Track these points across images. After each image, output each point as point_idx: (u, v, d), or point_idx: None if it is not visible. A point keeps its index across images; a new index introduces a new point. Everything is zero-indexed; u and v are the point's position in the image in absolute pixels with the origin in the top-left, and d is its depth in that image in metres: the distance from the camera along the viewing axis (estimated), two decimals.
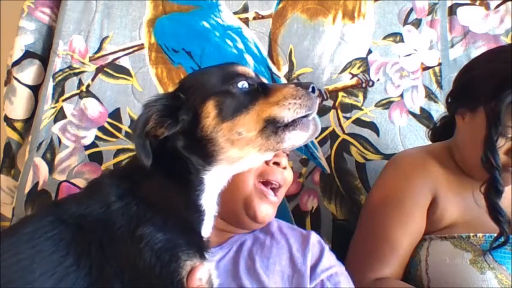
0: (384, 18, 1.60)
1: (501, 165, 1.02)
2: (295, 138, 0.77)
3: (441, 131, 1.32)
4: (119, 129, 1.49)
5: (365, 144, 1.52)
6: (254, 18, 1.58)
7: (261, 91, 0.79)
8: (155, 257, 0.66)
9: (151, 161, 0.72)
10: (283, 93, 0.77)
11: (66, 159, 1.45)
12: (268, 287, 0.91)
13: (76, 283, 0.65)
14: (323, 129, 1.52)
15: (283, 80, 1.55)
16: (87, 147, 1.46)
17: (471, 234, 1.06)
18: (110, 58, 1.53)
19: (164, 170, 0.76)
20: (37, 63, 1.51)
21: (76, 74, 1.50)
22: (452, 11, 1.62)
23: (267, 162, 0.98)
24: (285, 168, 1.02)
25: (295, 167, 1.50)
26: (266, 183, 1.00)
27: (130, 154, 1.43)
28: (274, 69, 1.56)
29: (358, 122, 1.54)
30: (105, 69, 1.52)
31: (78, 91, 1.49)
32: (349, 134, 1.53)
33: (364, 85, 1.56)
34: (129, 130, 1.48)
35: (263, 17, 1.59)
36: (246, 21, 1.58)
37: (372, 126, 1.53)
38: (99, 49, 1.53)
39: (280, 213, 1.46)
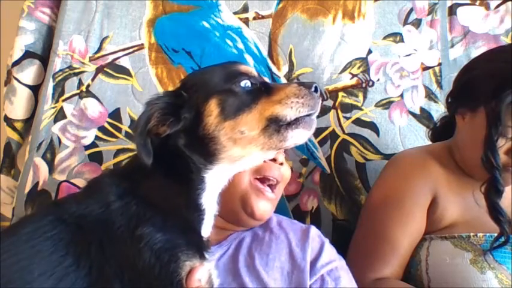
0: (383, 18, 1.60)
1: (501, 165, 1.02)
2: (297, 137, 0.77)
3: (441, 131, 1.32)
4: (119, 129, 1.49)
5: (365, 144, 1.52)
6: (254, 18, 1.58)
7: (263, 90, 0.79)
8: (155, 257, 0.66)
9: (151, 159, 0.72)
10: (285, 92, 0.77)
11: (66, 159, 1.45)
12: (268, 284, 0.91)
13: (76, 283, 0.64)
14: (323, 129, 1.52)
15: (283, 80, 1.55)
16: (87, 147, 1.46)
17: (471, 234, 1.06)
18: (110, 58, 1.53)
19: (165, 169, 0.75)
20: (37, 63, 1.51)
21: (76, 74, 1.50)
22: (452, 11, 1.62)
23: None
24: (281, 164, 1.02)
25: (295, 167, 1.50)
26: (263, 179, 0.99)
27: (130, 154, 1.43)
28: (274, 69, 1.56)
29: (358, 122, 1.54)
30: (105, 69, 1.52)
31: (78, 91, 1.49)
32: (349, 134, 1.53)
33: (364, 85, 1.56)
34: (129, 130, 1.48)
35: (263, 17, 1.59)
36: (246, 21, 1.58)
37: (372, 126, 1.53)
38: (99, 49, 1.53)
39: (280, 213, 1.47)
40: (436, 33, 1.60)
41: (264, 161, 0.98)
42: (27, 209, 1.39)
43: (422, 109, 1.56)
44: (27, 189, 1.41)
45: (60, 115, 1.47)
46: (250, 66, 0.85)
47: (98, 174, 1.42)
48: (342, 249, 1.19)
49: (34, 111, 1.49)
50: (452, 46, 1.60)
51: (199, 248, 0.72)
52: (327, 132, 1.52)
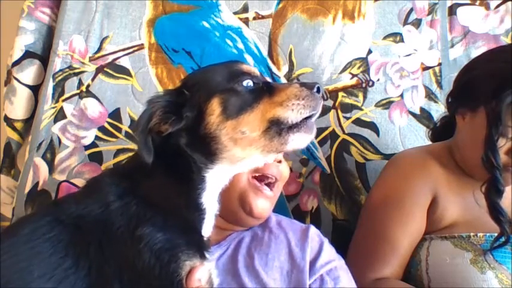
0: (384, 18, 1.60)
1: (502, 165, 1.02)
2: (298, 141, 0.77)
3: (441, 131, 1.32)
4: (119, 129, 1.49)
5: (365, 144, 1.52)
6: (254, 18, 1.58)
7: (265, 90, 0.79)
8: (154, 258, 0.66)
9: (152, 158, 0.71)
10: (287, 93, 0.77)
11: (66, 159, 1.45)
12: (267, 283, 0.91)
13: (75, 285, 0.64)
14: (323, 129, 1.52)
15: (283, 80, 1.55)
16: (87, 147, 1.46)
17: (471, 234, 1.06)
18: (110, 58, 1.53)
19: (165, 168, 0.75)
20: (37, 63, 1.51)
21: (76, 74, 1.50)
22: (452, 11, 1.62)
23: None
24: (280, 162, 1.02)
25: (295, 167, 1.50)
26: (261, 177, 0.99)
27: (130, 154, 1.43)
28: (274, 69, 1.55)
29: (358, 122, 1.54)
30: (105, 69, 1.52)
31: (78, 91, 1.49)
32: (349, 134, 1.53)
33: (364, 85, 1.56)
34: (129, 130, 1.48)
35: (263, 17, 1.59)
36: (246, 21, 1.58)
37: (372, 126, 1.53)
38: (99, 49, 1.53)
39: (280, 213, 1.47)
40: (436, 33, 1.60)
41: None
42: (27, 209, 1.39)
43: (422, 109, 1.56)
44: (27, 189, 1.41)
45: (60, 115, 1.47)
46: (252, 66, 0.84)
47: (97, 174, 1.42)
48: (342, 249, 1.19)
49: (34, 111, 1.49)
50: (452, 46, 1.60)
51: (200, 248, 0.72)
52: (327, 132, 1.52)
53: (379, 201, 1.18)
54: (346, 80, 1.57)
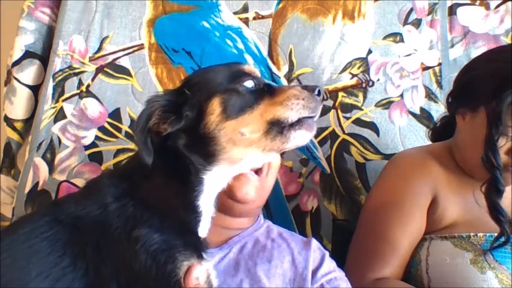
0: (383, 18, 1.60)
1: (502, 165, 1.02)
2: (299, 138, 0.77)
3: (441, 131, 1.32)
4: (119, 129, 1.49)
5: (365, 144, 1.52)
6: (254, 18, 1.58)
7: (266, 91, 0.79)
8: (151, 259, 0.66)
9: (152, 158, 0.71)
10: (287, 94, 0.77)
11: (66, 159, 1.45)
12: None
13: (72, 284, 0.64)
14: (323, 129, 1.52)
15: (283, 80, 1.55)
16: (87, 147, 1.47)
17: (471, 234, 1.06)
18: (110, 58, 1.53)
19: (163, 170, 0.75)
20: (37, 63, 1.51)
21: (76, 74, 1.50)
22: (452, 11, 1.62)
23: None
24: None
25: (295, 167, 1.50)
26: None
27: (130, 154, 1.43)
28: (274, 69, 1.56)
29: (358, 122, 1.54)
30: (105, 69, 1.52)
31: (78, 91, 1.50)
32: (349, 134, 1.53)
33: (364, 85, 1.56)
34: (129, 130, 1.48)
35: (263, 17, 1.59)
36: (246, 21, 1.58)
37: (372, 126, 1.53)
38: (99, 49, 1.53)
39: (280, 213, 1.47)
40: (436, 33, 1.60)
41: None
42: (27, 209, 1.40)
43: (422, 109, 1.56)
44: (27, 189, 1.41)
45: (60, 115, 1.47)
46: (254, 67, 0.84)
47: (98, 174, 1.42)
48: (342, 249, 1.20)
49: (34, 111, 1.50)
50: (452, 46, 1.60)
51: (197, 249, 0.72)
52: (327, 132, 1.52)
53: (379, 202, 1.18)
54: (346, 80, 1.57)
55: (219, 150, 0.75)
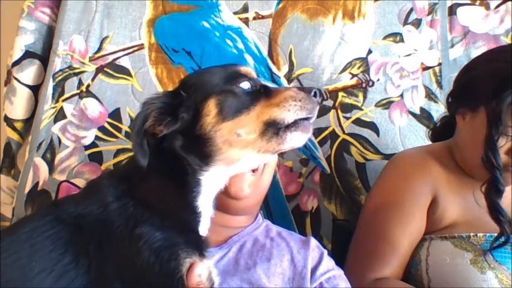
0: (384, 18, 1.60)
1: (502, 165, 1.02)
2: (296, 140, 0.77)
3: (441, 131, 1.32)
4: (119, 129, 1.49)
5: (365, 144, 1.52)
6: (254, 18, 1.58)
7: (262, 92, 0.79)
8: (154, 256, 0.66)
9: (147, 160, 0.71)
10: (284, 95, 0.77)
11: (66, 159, 1.45)
12: None
13: (75, 280, 0.65)
14: (323, 129, 1.52)
15: (283, 80, 1.55)
16: (87, 147, 1.47)
17: (471, 234, 1.06)
18: (110, 58, 1.53)
19: (161, 171, 0.75)
20: (37, 63, 1.51)
21: (76, 74, 1.50)
22: (452, 11, 1.62)
23: None
24: None
25: (295, 167, 1.50)
26: None
27: (130, 154, 1.43)
28: (274, 69, 1.56)
29: (358, 122, 1.54)
30: (105, 69, 1.52)
31: (78, 91, 1.50)
32: (349, 134, 1.53)
33: (364, 85, 1.57)
34: (129, 130, 1.48)
35: (263, 17, 1.59)
36: (246, 21, 1.58)
37: (372, 126, 1.53)
38: (99, 49, 1.53)
39: (280, 213, 1.48)
40: (436, 33, 1.60)
41: None
42: (27, 209, 1.40)
43: (422, 109, 1.56)
44: (27, 189, 1.41)
45: (60, 115, 1.47)
46: (250, 68, 0.84)
47: (98, 174, 1.42)
48: (342, 249, 1.20)
49: (34, 111, 1.50)
50: (452, 46, 1.60)
51: (198, 247, 0.72)
52: (327, 132, 1.52)
53: (379, 202, 1.18)
54: (346, 80, 1.57)
55: (215, 151, 0.75)
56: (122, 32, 1.55)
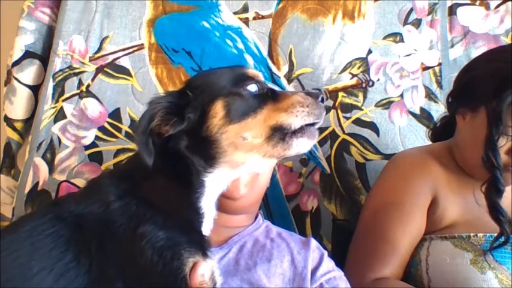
0: (384, 18, 1.60)
1: (502, 165, 1.02)
2: (301, 146, 0.77)
3: (441, 131, 1.32)
4: (119, 129, 1.49)
5: (365, 144, 1.52)
6: (254, 18, 1.58)
7: (270, 96, 0.79)
8: (157, 255, 0.66)
9: (152, 160, 0.71)
10: (291, 100, 0.77)
11: (66, 159, 1.45)
12: None
13: (75, 280, 0.64)
14: (323, 129, 1.52)
15: (283, 80, 1.55)
16: (87, 147, 1.46)
17: (471, 234, 1.06)
18: (110, 58, 1.53)
19: (165, 170, 0.75)
20: (37, 63, 1.51)
21: (76, 74, 1.50)
22: (452, 11, 1.62)
23: None
24: None
25: (295, 167, 1.50)
26: None
27: (130, 154, 1.43)
28: (274, 69, 1.55)
29: (358, 122, 1.54)
30: (105, 69, 1.52)
31: (78, 91, 1.49)
32: (349, 134, 1.53)
33: (364, 85, 1.56)
34: (129, 130, 1.48)
35: (263, 17, 1.59)
36: (246, 21, 1.58)
37: (372, 126, 1.53)
38: (99, 49, 1.53)
39: (280, 213, 1.47)
40: (436, 33, 1.60)
41: None
42: (27, 209, 1.39)
43: (422, 109, 1.56)
44: (27, 189, 1.41)
45: (60, 115, 1.47)
46: (257, 71, 0.84)
47: (98, 174, 1.42)
48: (342, 249, 1.20)
49: (34, 111, 1.49)
50: (452, 46, 1.60)
51: (201, 246, 0.72)
52: (327, 132, 1.52)
53: (379, 202, 1.18)
54: (346, 80, 1.57)
55: (221, 154, 0.75)
56: (122, 32, 1.55)
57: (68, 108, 1.48)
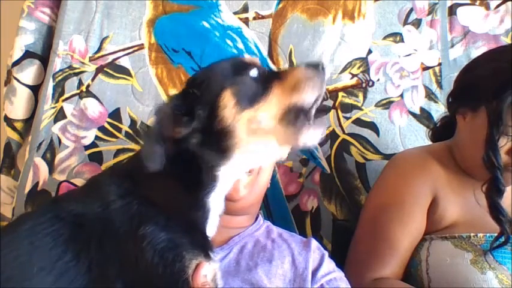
0: (384, 18, 1.60)
1: (502, 165, 1.02)
2: (311, 135, 0.76)
3: (441, 131, 1.32)
4: (119, 129, 1.49)
5: (365, 144, 1.52)
6: (254, 18, 1.58)
7: (273, 76, 0.79)
8: (158, 257, 0.65)
9: (161, 166, 0.70)
10: (297, 77, 0.77)
11: (66, 159, 1.45)
12: None
13: (75, 280, 0.64)
14: None
15: None
16: (87, 147, 1.47)
17: (472, 234, 1.06)
18: (110, 58, 1.53)
19: (168, 169, 0.73)
20: (37, 63, 1.51)
21: (76, 74, 1.50)
22: (452, 11, 1.62)
23: None
24: None
25: (295, 167, 1.50)
26: None
27: (130, 154, 1.43)
28: (274, 69, 1.55)
29: (358, 122, 1.54)
30: (105, 69, 1.52)
31: (78, 91, 1.50)
32: (349, 134, 1.53)
33: (364, 85, 1.56)
34: (129, 130, 1.48)
35: (263, 17, 1.59)
36: (246, 21, 1.58)
37: (372, 126, 1.53)
38: (99, 49, 1.53)
39: (280, 214, 1.47)
40: (436, 33, 1.60)
41: None
42: (27, 209, 1.40)
43: (422, 109, 1.56)
44: (27, 189, 1.41)
45: (60, 115, 1.47)
46: (253, 56, 0.84)
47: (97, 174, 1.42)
48: (342, 249, 1.20)
49: (34, 111, 1.49)
50: (452, 46, 1.60)
51: (204, 248, 0.72)
52: (327, 132, 1.52)
53: (379, 202, 1.18)
54: (346, 80, 1.57)
55: (236, 144, 0.74)
56: (122, 32, 1.55)
57: (68, 108, 1.48)
